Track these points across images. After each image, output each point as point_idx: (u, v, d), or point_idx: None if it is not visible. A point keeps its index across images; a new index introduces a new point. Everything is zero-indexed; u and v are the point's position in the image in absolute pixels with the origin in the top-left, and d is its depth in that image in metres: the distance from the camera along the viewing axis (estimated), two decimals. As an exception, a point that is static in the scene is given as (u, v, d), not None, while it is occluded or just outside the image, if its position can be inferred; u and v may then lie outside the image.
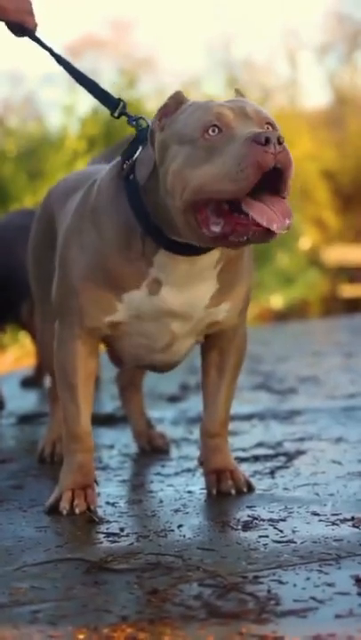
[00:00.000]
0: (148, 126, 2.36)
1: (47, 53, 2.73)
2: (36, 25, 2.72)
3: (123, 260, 2.35)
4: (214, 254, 2.34)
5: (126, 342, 2.50)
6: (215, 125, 2.13)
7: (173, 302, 2.38)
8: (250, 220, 2.08)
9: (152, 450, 3.18)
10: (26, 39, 2.75)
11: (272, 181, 2.08)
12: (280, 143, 2.05)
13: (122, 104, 2.60)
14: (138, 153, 2.33)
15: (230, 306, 2.48)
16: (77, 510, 2.43)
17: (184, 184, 2.14)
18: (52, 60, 2.73)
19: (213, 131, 2.13)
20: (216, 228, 2.14)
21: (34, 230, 2.98)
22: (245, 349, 2.65)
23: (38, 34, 2.74)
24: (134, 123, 2.48)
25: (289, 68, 19.54)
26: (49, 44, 2.73)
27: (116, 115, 2.60)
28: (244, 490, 2.59)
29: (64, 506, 2.44)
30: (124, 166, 2.34)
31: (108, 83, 10.70)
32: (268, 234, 2.10)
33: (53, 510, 2.46)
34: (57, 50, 2.74)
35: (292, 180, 2.11)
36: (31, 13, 2.71)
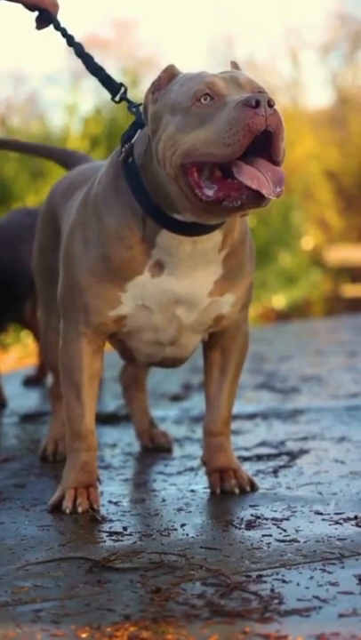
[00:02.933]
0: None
1: (52, 50, 2.72)
2: (55, 5, 2.69)
3: (124, 245, 2.34)
4: (217, 236, 2.34)
5: (137, 341, 2.49)
6: (207, 94, 2.15)
7: (177, 285, 2.37)
8: (242, 184, 2.08)
9: (155, 448, 3.17)
10: (42, 30, 2.71)
11: (265, 147, 2.08)
12: (271, 106, 2.06)
13: (123, 89, 2.59)
14: (136, 136, 2.34)
15: (234, 299, 2.47)
16: (80, 509, 2.42)
17: (174, 148, 2.15)
18: (55, 59, 2.74)
19: (205, 99, 2.15)
20: (209, 192, 2.14)
21: (38, 227, 2.98)
22: (247, 348, 2.64)
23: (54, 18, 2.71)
24: (134, 109, 2.48)
25: (291, 68, 19.53)
26: (52, 38, 2.71)
27: (117, 99, 2.58)
28: (248, 489, 2.58)
29: (67, 504, 2.43)
30: (123, 150, 2.34)
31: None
32: (260, 198, 2.10)
33: (56, 509, 2.45)
34: (60, 49, 2.73)
35: (284, 144, 2.11)
36: None
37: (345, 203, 17.43)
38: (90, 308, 2.41)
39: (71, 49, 2.73)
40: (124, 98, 2.58)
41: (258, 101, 2.05)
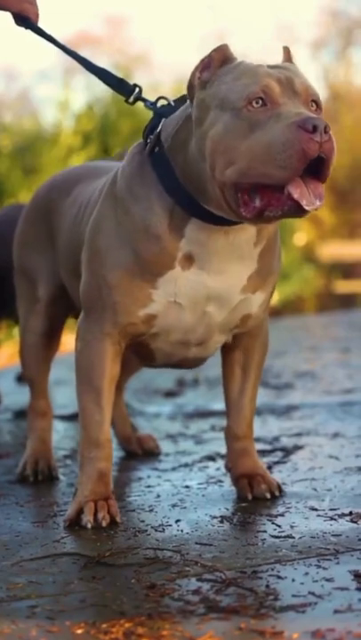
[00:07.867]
0: (169, 103, 2.32)
1: (44, 46, 2.69)
2: (37, 15, 2.68)
3: (152, 235, 2.24)
4: (251, 229, 2.26)
5: (163, 341, 2.38)
6: (260, 98, 2.07)
7: (209, 279, 2.27)
8: (285, 194, 2.03)
9: (144, 453, 3.09)
10: (27, 30, 2.70)
11: (313, 165, 2.03)
12: (326, 132, 2.02)
13: (137, 89, 2.47)
14: (161, 124, 2.26)
15: (264, 297, 2.40)
16: (104, 524, 2.27)
17: (227, 159, 2.07)
18: (47, 55, 2.72)
19: (258, 102, 2.07)
20: (253, 207, 2.08)
21: (23, 225, 2.92)
22: (268, 348, 2.58)
23: (40, 24, 2.69)
24: (152, 105, 2.37)
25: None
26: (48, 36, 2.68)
27: (131, 100, 2.48)
28: (277, 494, 2.49)
29: (88, 519, 2.27)
30: (148, 142, 2.27)
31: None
32: (300, 210, 2.05)
33: (75, 524, 2.29)
34: (52, 46, 2.70)
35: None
36: (32, 3, 2.66)
37: (337, 199, 17.44)
38: (118, 306, 2.30)
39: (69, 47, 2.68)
40: (139, 98, 2.46)
41: (316, 127, 2.00)
